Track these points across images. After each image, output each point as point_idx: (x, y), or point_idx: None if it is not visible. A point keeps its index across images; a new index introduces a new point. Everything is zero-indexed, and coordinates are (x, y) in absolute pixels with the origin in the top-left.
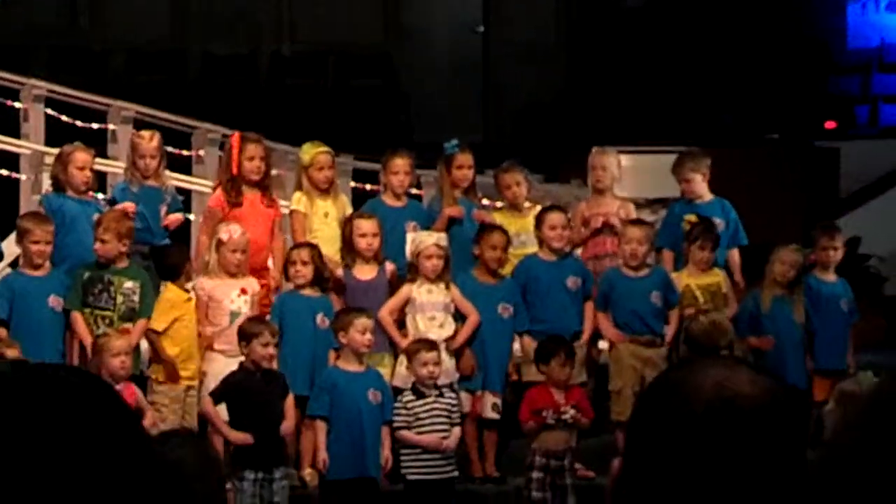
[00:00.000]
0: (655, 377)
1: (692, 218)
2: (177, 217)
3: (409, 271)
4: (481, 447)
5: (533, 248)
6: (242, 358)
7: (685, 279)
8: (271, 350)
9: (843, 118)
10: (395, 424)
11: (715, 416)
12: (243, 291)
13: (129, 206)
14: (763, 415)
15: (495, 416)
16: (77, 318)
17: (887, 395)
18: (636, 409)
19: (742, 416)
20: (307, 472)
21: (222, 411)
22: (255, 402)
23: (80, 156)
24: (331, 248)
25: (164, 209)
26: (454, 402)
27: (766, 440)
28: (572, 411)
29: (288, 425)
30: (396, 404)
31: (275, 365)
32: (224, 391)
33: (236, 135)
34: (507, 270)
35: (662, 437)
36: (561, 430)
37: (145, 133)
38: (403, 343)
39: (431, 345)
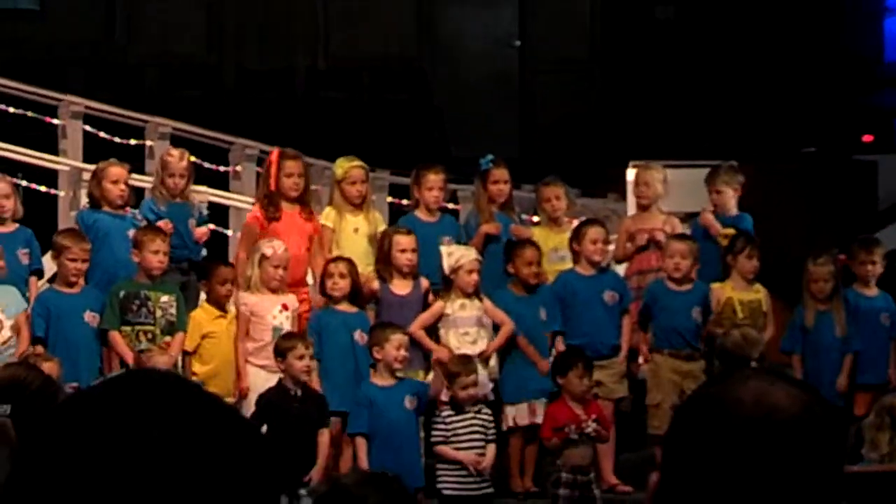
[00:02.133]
0: (694, 391)
1: (729, 231)
2: (204, 230)
3: (444, 286)
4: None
5: (571, 263)
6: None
7: (728, 292)
8: (308, 362)
9: (880, 131)
10: (433, 439)
11: (753, 430)
12: (284, 307)
13: (166, 224)
14: (801, 429)
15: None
16: (116, 337)
17: None
18: (674, 422)
19: (780, 431)
20: None
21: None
22: (288, 427)
23: (114, 170)
24: (360, 264)
25: (192, 223)
26: (490, 419)
27: (804, 455)
28: (594, 424)
29: (319, 462)
30: (435, 419)
31: (314, 380)
32: (260, 413)
33: (275, 151)
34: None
35: (700, 450)
36: (584, 445)
37: (175, 151)
38: (440, 353)
39: (470, 367)
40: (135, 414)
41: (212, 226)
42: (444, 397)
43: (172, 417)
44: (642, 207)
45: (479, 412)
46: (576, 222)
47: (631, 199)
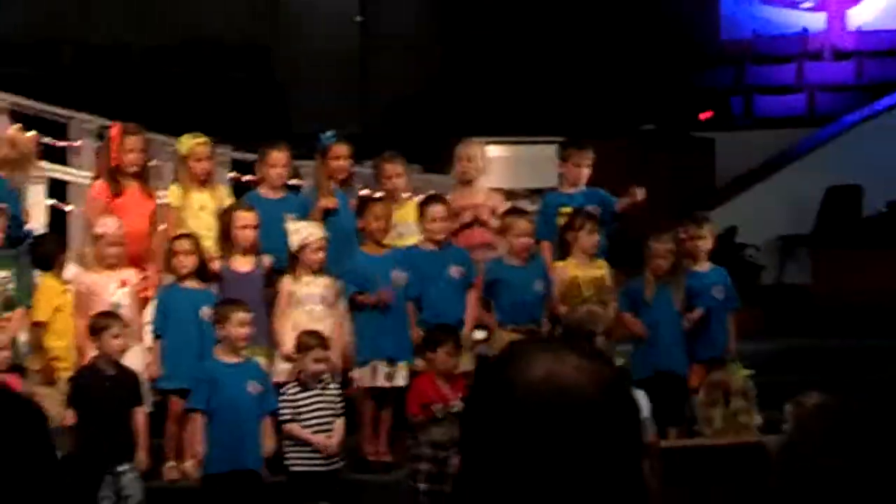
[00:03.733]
0: (483, 368)
1: (567, 210)
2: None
3: (290, 263)
4: (377, 426)
5: (411, 238)
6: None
7: (572, 270)
8: (121, 341)
9: (717, 109)
10: (281, 417)
11: (544, 414)
12: (123, 283)
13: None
14: (592, 409)
15: (401, 383)
16: None
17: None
18: (467, 404)
19: (571, 412)
20: (189, 465)
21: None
22: (99, 408)
23: None
24: (206, 241)
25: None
26: (338, 393)
27: (595, 431)
28: (461, 403)
29: (142, 442)
30: (281, 396)
31: (154, 359)
32: (73, 397)
33: (116, 126)
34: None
35: (492, 434)
36: (450, 424)
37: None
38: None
39: (324, 341)
40: None
41: (60, 204)
42: (283, 378)
43: None
44: (465, 183)
45: (324, 388)
46: (417, 198)
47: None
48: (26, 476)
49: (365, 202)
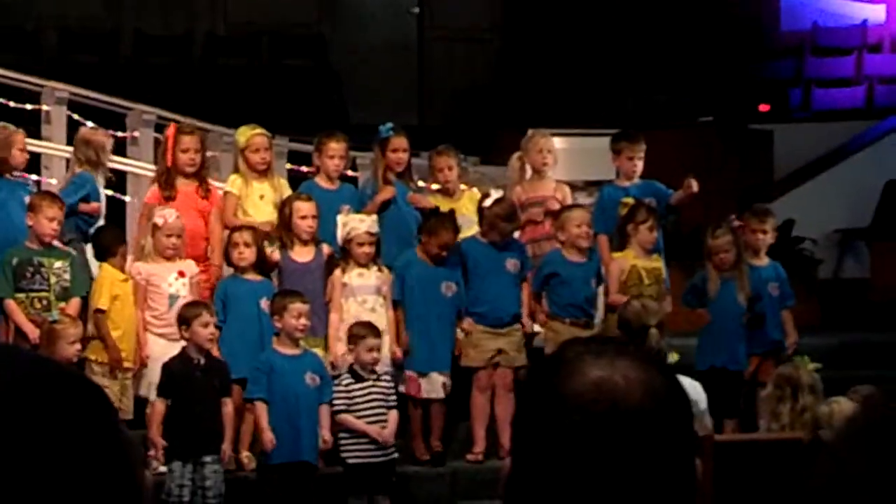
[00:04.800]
0: (533, 370)
1: (629, 200)
2: (95, 206)
3: (342, 255)
4: (427, 427)
5: (467, 231)
6: (184, 343)
7: (631, 260)
8: (212, 329)
9: (776, 101)
10: (335, 408)
11: (591, 417)
12: (181, 274)
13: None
14: (641, 415)
15: (443, 395)
16: (11, 305)
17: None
18: (517, 409)
19: (619, 417)
20: (245, 455)
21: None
22: (191, 397)
23: (20, 137)
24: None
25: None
26: (390, 386)
27: (644, 439)
28: None
29: (227, 433)
30: (335, 388)
31: (215, 349)
32: (165, 385)
33: (172, 126)
34: None
35: (542, 442)
36: None
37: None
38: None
39: (376, 331)
40: None
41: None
42: (342, 364)
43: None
44: (537, 174)
45: (377, 380)
46: (473, 190)
47: (514, 165)
48: (97, 473)
49: (430, 217)
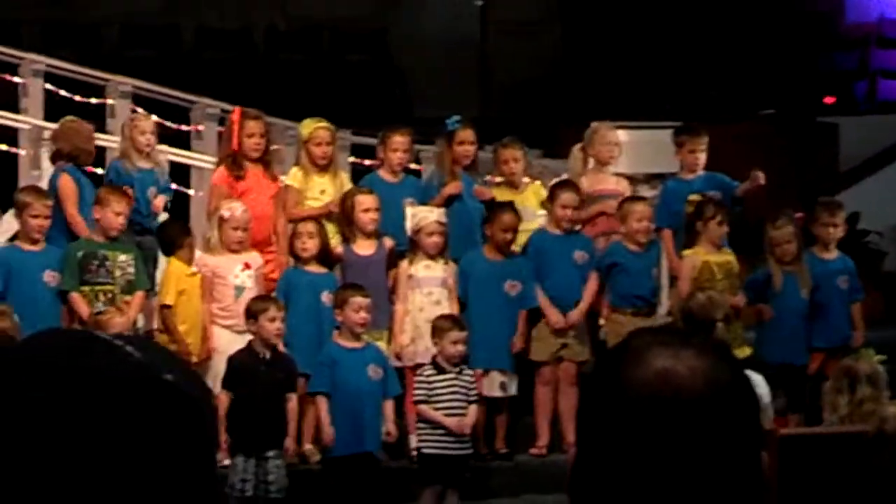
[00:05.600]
0: (599, 360)
1: (695, 197)
2: (162, 199)
3: (409, 247)
4: (490, 425)
5: (532, 223)
6: (250, 336)
7: (703, 256)
8: (279, 325)
9: (841, 93)
10: (415, 398)
11: (655, 409)
12: (247, 266)
13: (128, 190)
14: (705, 406)
15: (501, 394)
16: (75, 297)
17: None
18: (581, 399)
19: (683, 409)
20: (308, 448)
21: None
22: (255, 391)
23: (89, 127)
24: (326, 225)
25: (152, 192)
26: (472, 380)
27: (709, 431)
28: None
29: (291, 428)
30: (417, 378)
31: (281, 344)
32: (229, 378)
33: (237, 111)
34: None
35: (607, 432)
36: None
37: (141, 113)
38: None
39: (461, 323)
40: (52, 370)
41: (185, 189)
42: (407, 356)
43: (87, 376)
44: (601, 167)
45: (460, 373)
46: (536, 182)
47: (576, 157)
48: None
49: (493, 207)
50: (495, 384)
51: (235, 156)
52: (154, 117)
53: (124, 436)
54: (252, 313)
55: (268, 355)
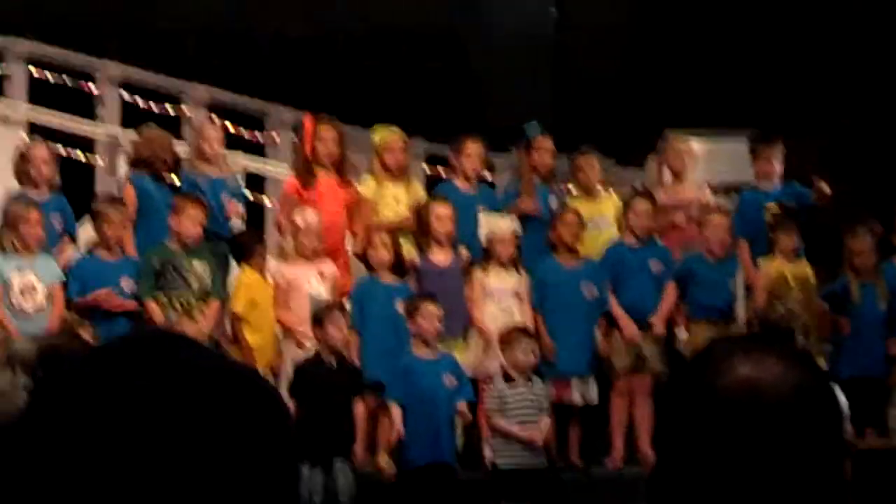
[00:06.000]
0: (681, 367)
1: (773, 207)
2: (235, 205)
3: (483, 256)
4: (563, 437)
5: (608, 232)
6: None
7: (779, 267)
8: (345, 332)
9: None
10: (487, 410)
11: (740, 415)
12: (321, 275)
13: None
14: (790, 413)
15: (581, 402)
16: (151, 305)
17: None
18: (663, 404)
19: (768, 415)
20: (383, 460)
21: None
22: (321, 399)
23: (168, 135)
24: (400, 234)
25: (225, 197)
26: (543, 390)
27: (794, 438)
28: None
29: (359, 436)
30: (488, 389)
31: (353, 352)
32: (296, 385)
33: (309, 116)
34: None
35: (689, 437)
36: None
37: (208, 122)
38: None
39: (531, 334)
40: (141, 371)
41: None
42: (483, 365)
43: (177, 377)
44: (677, 178)
45: (532, 384)
46: (611, 191)
47: (652, 167)
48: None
49: (553, 212)
50: (575, 392)
51: (308, 162)
52: (227, 123)
53: (222, 424)
54: (318, 320)
55: (334, 363)
